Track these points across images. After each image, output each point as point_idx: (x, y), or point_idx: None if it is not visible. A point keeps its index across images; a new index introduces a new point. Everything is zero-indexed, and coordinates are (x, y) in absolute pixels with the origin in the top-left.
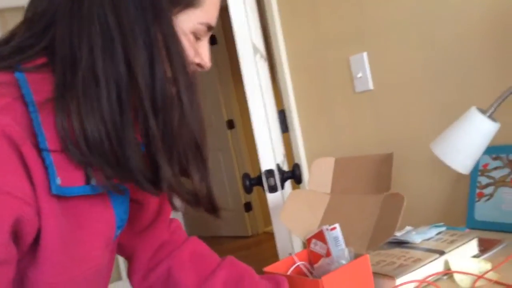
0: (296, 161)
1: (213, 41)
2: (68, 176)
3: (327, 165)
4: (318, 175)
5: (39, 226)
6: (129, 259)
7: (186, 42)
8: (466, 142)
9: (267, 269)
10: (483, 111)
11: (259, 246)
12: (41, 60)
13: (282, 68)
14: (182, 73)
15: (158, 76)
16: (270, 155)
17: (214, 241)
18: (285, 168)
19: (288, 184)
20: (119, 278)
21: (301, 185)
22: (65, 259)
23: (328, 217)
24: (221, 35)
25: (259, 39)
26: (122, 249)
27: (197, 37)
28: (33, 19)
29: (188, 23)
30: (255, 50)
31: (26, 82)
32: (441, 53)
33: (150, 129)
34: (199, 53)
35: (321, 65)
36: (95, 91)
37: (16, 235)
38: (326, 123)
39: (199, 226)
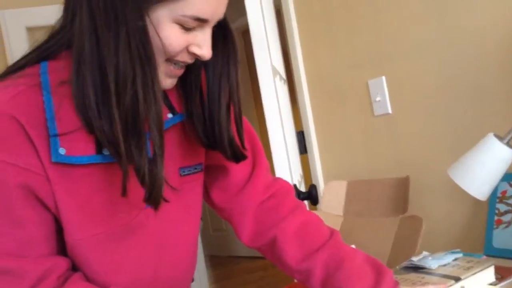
0: (314, 182)
1: None
2: (75, 147)
3: (339, 188)
4: (330, 197)
5: (52, 190)
6: (231, 222)
7: (170, 32)
8: (483, 168)
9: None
10: (500, 138)
11: (276, 267)
12: (64, 51)
13: (302, 91)
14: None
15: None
16: (287, 175)
17: (231, 260)
18: (302, 189)
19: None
20: None
21: (318, 206)
22: (83, 218)
23: (343, 239)
24: (244, 57)
25: (279, 61)
26: (221, 213)
27: (186, 28)
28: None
29: (169, 15)
30: (275, 72)
31: (46, 69)
32: (458, 78)
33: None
34: (194, 43)
35: (340, 89)
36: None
37: (37, 199)
38: (344, 145)
39: (216, 246)
